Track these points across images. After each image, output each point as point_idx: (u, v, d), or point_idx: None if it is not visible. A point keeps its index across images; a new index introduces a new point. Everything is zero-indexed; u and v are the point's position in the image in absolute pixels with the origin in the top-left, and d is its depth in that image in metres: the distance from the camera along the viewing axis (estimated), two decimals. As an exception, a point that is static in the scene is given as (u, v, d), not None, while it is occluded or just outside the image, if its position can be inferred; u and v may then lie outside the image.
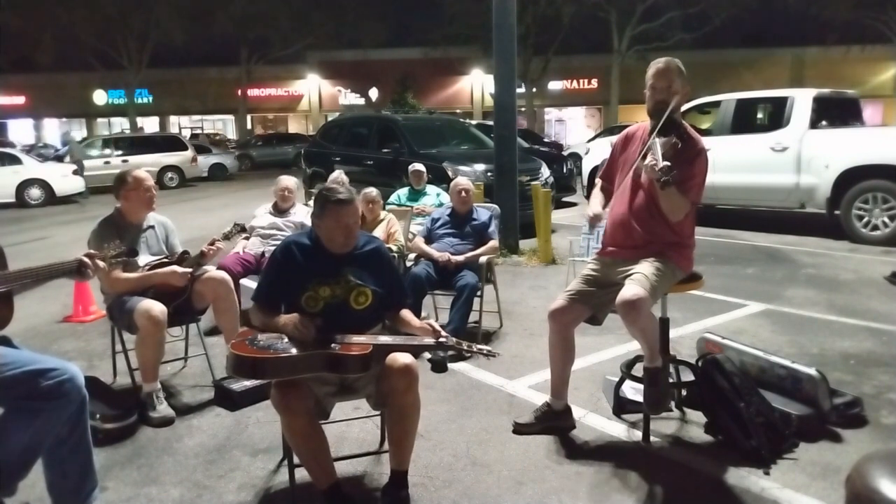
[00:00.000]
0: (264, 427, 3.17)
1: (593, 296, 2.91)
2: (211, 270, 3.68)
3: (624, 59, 26.66)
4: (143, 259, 3.49)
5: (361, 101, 34.70)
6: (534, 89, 29.09)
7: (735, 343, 3.38)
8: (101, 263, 2.36)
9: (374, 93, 33.11)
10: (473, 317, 4.31)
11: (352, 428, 3.11)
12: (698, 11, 24.58)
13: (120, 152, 17.66)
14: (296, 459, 2.48)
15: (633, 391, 3.13)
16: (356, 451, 2.88)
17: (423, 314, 4.47)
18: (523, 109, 27.18)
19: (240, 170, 23.07)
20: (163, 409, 3.27)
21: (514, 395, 3.50)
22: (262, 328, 2.49)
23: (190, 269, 3.45)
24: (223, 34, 28.18)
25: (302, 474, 2.51)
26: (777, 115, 8.29)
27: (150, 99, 35.31)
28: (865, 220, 7.39)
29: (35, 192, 14.45)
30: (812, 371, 3.02)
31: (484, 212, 4.72)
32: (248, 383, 3.37)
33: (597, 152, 11.18)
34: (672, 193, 2.64)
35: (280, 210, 5.05)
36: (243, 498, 2.59)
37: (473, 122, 14.71)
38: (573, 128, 36.60)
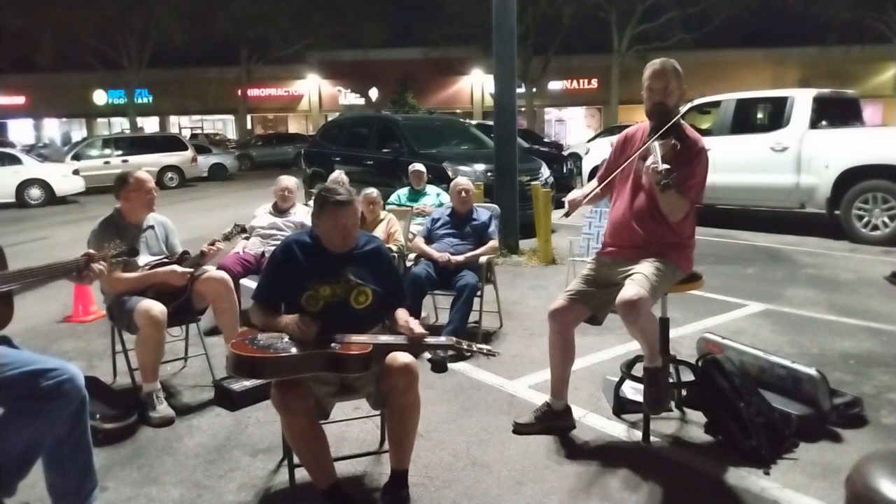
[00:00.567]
0: (264, 427, 3.17)
1: (593, 296, 2.91)
2: (211, 270, 3.68)
3: (624, 59, 26.66)
4: (143, 259, 3.49)
5: (361, 101, 34.70)
6: (534, 89, 29.09)
7: (735, 343, 3.38)
8: (100, 266, 2.36)
9: (374, 93, 33.11)
10: (473, 317, 4.31)
11: (352, 428, 3.12)
12: (698, 11, 24.58)
13: (120, 152, 17.65)
14: (296, 459, 2.48)
15: (633, 391, 3.13)
16: (356, 451, 2.88)
17: (423, 314, 4.47)
18: (523, 109, 27.18)
19: (240, 170, 23.07)
20: (163, 409, 3.27)
21: (514, 395, 3.50)
22: (262, 328, 2.49)
23: (190, 269, 3.45)
24: (223, 34, 28.14)
25: (302, 474, 2.51)
26: (777, 115, 8.29)
27: (150, 99, 35.29)
28: (865, 220, 7.39)
29: (35, 192, 14.45)
30: (812, 371, 3.02)
31: (484, 212, 4.72)
32: (248, 383, 3.37)
33: (597, 152, 11.19)
34: (672, 195, 2.65)
35: (280, 210, 5.05)
36: (243, 498, 2.59)
37: (473, 122, 14.70)
38: (573, 128, 36.58)
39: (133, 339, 3.33)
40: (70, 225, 10.88)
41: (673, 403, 3.17)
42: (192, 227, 8.69)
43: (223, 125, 38.75)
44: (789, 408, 2.93)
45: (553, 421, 3.06)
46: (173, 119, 37.68)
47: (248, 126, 35.35)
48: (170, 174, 17.97)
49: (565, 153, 16.30)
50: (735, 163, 8.17)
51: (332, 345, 2.35)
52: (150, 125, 35.71)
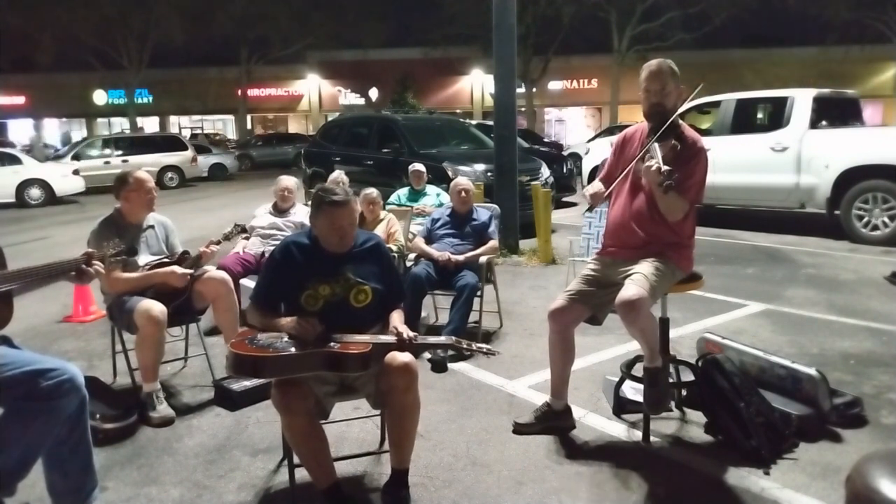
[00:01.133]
0: (264, 427, 3.17)
1: (593, 296, 2.91)
2: (211, 270, 3.68)
3: (624, 59, 26.65)
4: (143, 259, 3.49)
5: (361, 101, 34.69)
6: (534, 89, 29.08)
7: (735, 343, 3.38)
8: (97, 267, 2.35)
9: (374, 93, 33.11)
10: (473, 317, 4.31)
11: (352, 428, 3.12)
12: (698, 11, 24.58)
13: (120, 152, 17.63)
14: (296, 459, 2.48)
15: (633, 391, 3.13)
16: (356, 451, 2.88)
17: (423, 314, 4.47)
18: (523, 109, 27.18)
19: (240, 170, 23.06)
20: (163, 409, 3.27)
21: (514, 395, 3.50)
22: (260, 329, 2.49)
23: (190, 270, 3.45)
24: (223, 34, 28.15)
25: (302, 474, 2.51)
26: (777, 115, 8.29)
27: (150, 99, 35.29)
28: (865, 220, 7.39)
29: (35, 192, 14.44)
30: (812, 371, 3.02)
31: (484, 212, 4.72)
32: (248, 383, 3.38)
33: (597, 152, 11.18)
34: (671, 196, 2.65)
35: (280, 210, 5.05)
36: (243, 498, 2.59)
37: (473, 122, 14.70)
38: (573, 128, 36.59)
39: (133, 339, 3.33)
40: (70, 225, 10.88)
41: (673, 403, 3.17)
42: (192, 227, 8.69)
43: (223, 125, 38.75)
44: (789, 408, 2.93)
45: (553, 421, 3.06)
46: (173, 119, 37.69)
47: (248, 126, 35.34)
48: (170, 174, 17.96)
49: (565, 153, 16.30)
50: (735, 163, 8.17)
51: (332, 344, 2.34)
52: (150, 125, 35.71)
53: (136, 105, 30.95)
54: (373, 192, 5.11)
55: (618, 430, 3.08)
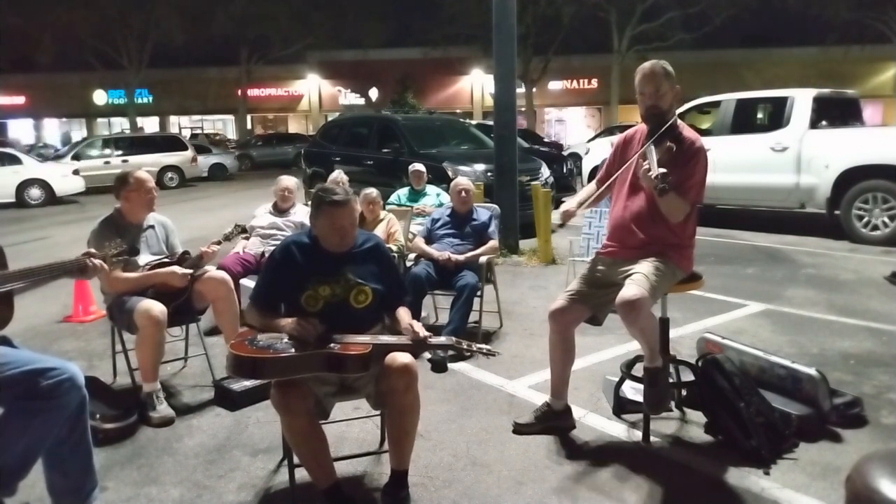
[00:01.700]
0: (264, 427, 3.17)
1: (593, 296, 2.91)
2: (211, 270, 3.68)
3: (624, 59, 26.66)
4: (144, 259, 3.49)
5: (361, 101, 34.69)
6: (534, 89, 29.08)
7: (735, 343, 3.38)
8: (99, 260, 2.35)
9: (374, 93, 33.11)
10: (473, 317, 4.31)
11: (352, 428, 3.11)
12: (698, 11, 24.59)
13: (120, 152, 17.64)
14: (296, 459, 2.48)
15: (633, 391, 3.13)
16: (356, 451, 2.88)
17: (423, 314, 4.47)
18: (523, 109, 27.18)
19: (240, 170, 23.06)
20: (163, 409, 3.27)
21: (514, 395, 3.50)
22: (259, 329, 2.48)
23: (190, 270, 3.45)
24: (223, 34, 28.15)
25: (302, 474, 2.51)
26: (777, 115, 8.29)
27: (150, 99, 35.29)
28: (865, 220, 7.39)
29: (35, 192, 14.44)
30: (812, 371, 3.02)
31: (484, 212, 4.72)
32: (248, 383, 3.37)
33: (597, 152, 11.18)
34: (671, 198, 2.65)
35: (280, 210, 5.05)
36: (243, 498, 2.59)
37: (473, 122, 14.70)
38: (573, 128, 36.59)
39: (133, 339, 3.33)
40: (70, 225, 10.88)
41: (673, 403, 3.17)
42: (192, 227, 8.69)
43: (223, 125, 38.74)
44: (789, 408, 2.93)
45: (553, 421, 3.06)
46: (173, 119, 37.68)
47: (248, 126, 35.35)
48: (170, 174, 17.97)
49: (565, 153, 16.30)
50: (735, 163, 8.17)
51: (332, 345, 2.34)
52: (150, 125, 35.71)
53: (136, 105, 30.96)
54: (373, 192, 5.11)
55: (618, 430, 3.08)
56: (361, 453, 2.87)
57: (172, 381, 3.82)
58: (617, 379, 3.16)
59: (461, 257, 4.36)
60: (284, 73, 35.19)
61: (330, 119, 18.80)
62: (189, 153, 18.65)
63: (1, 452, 2.11)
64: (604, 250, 3.01)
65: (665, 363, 2.82)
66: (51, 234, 10.14)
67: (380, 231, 4.93)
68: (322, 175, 8.83)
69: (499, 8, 7.15)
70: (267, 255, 4.50)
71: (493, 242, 4.56)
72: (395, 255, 4.57)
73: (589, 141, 17.91)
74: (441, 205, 5.85)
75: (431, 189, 6.48)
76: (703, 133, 7.77)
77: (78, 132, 35.82)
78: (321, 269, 2.53)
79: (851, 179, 7.41)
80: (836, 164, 7.49)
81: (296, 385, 2.31)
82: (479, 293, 4.34)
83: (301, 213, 5.02)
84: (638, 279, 2.64)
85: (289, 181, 5.14)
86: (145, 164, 14.62)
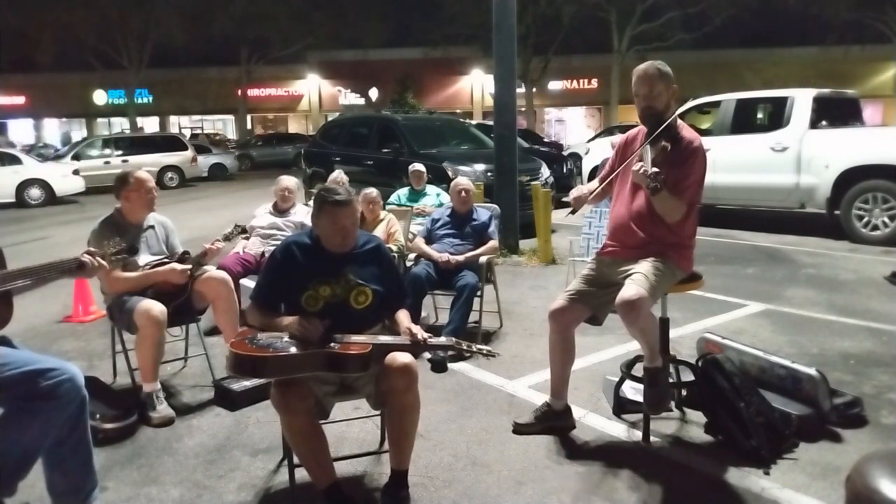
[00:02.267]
0: (264, 427, 3.17)
1: (593, 296, 2.91)
2: (211, 270, 3.68)
3: (624, 59, 26.65)
4: (144, 259, 3.49)
5: (361, 101, 34.67)
6: (534, 89, 29.08)
7: (735, 343, 3.38)
8: (99, 259, 2.35)
9: (374, 93, 33.10)
10: (473, 317, 4.31)
11: (352, 428, 3.11)
12: (698, 11, 24.58)
13: (120, 152, 17.64)
14: (296, 459, 2.48)
15: (633, 391, 3.13)
16: (356, 451, 2.88)
17: (423, 314, 4.47)
18: (523, 109, 27.19)
19: (240, 170, 23.07)
20: (163, 409, 3.27)
21: (514, 395, 3.50)
22: (259, 329, 2.48)
23: (189, 266, 3.45)
24: (223, 34, 28.13)
25: (302, 474, 2.51)
26: (777, 115, 8.29)
27: (150, 99, 35.27)
28: (865, 220, 7.39)
29: (35, 192, 14.44)
30: (812, 371, 3.02)
31: (484, 212, 4.72)
32: (248, 383, 3.37)
33: (597, 152, 11.17)
34: (665, 197, 2.65)
35: (280, 210, 5.05)
36: (243, 498, 2.59)
37: (473, 122, 14.70)
38: (573, 128, 36.59)
39: (133, 339, 3.33)
40: (70, 225, 10.88)
41: (673, 403, 3.17)
42: (192, 227, 8.69)
43: (223, 125, 38.73)
44: (789, 408, 2.93)
45: (553, 421, 3.06)
46: (173, 119, 37.66)
47: (248, 126, 35.35)
48: (170, 174, 17.97)
49: (565, 153, 16.29)
50: (735, 163, 8.17)
51: (332, 345, 2.35)
52: (150, 125, 35.70)
53: (136, 105, 30.95)
54: (373, 191, 5.11)
55: (618, 430, 3.08)
56: (361, 453, 2.87)
57: (172, 381, 3.82)
58: (617, 379, 3.16)
59: (460, 258, 4.36)
60: (284, 73, 35.18)
61: (330, 119, 18.80)
62: (189, 153, 18.65)
63: (1, 453, 2.11)
64: (604, 250, 3.01)
65: (665, 363, 2.82)
66: (51, 234, 10.14)
67: (380, 231, 4.93)
68: (322, 175, 8.83)
69: (499, 8, 7.15)
70: (267, 255, 4.50)
71: (493, 242, 4.56)
72: (395, 255, 4.57)
73: (589, 141, 17.89)
74: (441, 205, 5.86)
75: (431, 189, 6.48)
76: (703, 133, 7.76)
77: (78, 132, 35.80)
78: (322, 269, 2.53)
79: (851, 179, 7.41)
80: (836, 164, 7.49)
81: (296, 384, 2.31)
82: (479, 293, 4.34)
83: (301, 213, 5.02)
84: (638, 279, 2.64)
85: (289, 181, 5.14)
86: (145, 164, 14.61)
